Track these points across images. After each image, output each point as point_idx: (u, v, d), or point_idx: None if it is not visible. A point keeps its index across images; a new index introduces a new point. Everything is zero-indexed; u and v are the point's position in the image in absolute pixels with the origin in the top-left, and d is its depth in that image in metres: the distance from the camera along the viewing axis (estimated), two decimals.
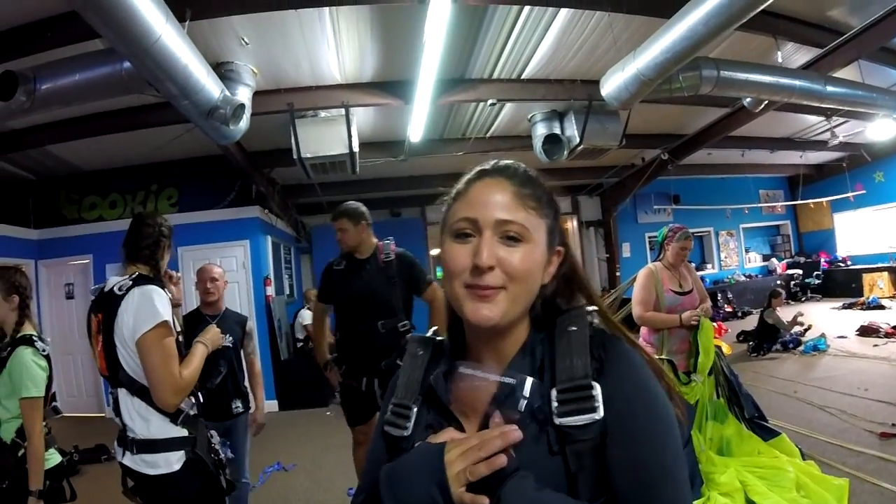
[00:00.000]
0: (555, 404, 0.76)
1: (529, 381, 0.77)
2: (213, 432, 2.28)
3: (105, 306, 2.08)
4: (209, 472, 2.13)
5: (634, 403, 0.77)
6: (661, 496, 0.74)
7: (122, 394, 2.07)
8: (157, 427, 2.04)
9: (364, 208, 3.36)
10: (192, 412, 2.14)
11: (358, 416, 3.42)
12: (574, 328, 0.83)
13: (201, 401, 2.25)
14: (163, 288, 2.12)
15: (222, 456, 2.27)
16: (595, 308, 0.89)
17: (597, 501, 0.75)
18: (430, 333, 1.00)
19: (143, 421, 2.03)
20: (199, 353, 2.24)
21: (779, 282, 12.35)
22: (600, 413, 0.74)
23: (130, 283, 2.07)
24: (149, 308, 2.00)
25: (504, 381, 0.78)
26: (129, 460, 2.04)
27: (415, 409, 0.88)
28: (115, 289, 2.06)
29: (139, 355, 1.99)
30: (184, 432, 2.07)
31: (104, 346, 2.07)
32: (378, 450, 0.94)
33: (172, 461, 2.02)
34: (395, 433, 0.89)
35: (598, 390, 0.75)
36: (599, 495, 0.75)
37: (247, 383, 3.57)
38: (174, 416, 2.06)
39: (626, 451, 0.75)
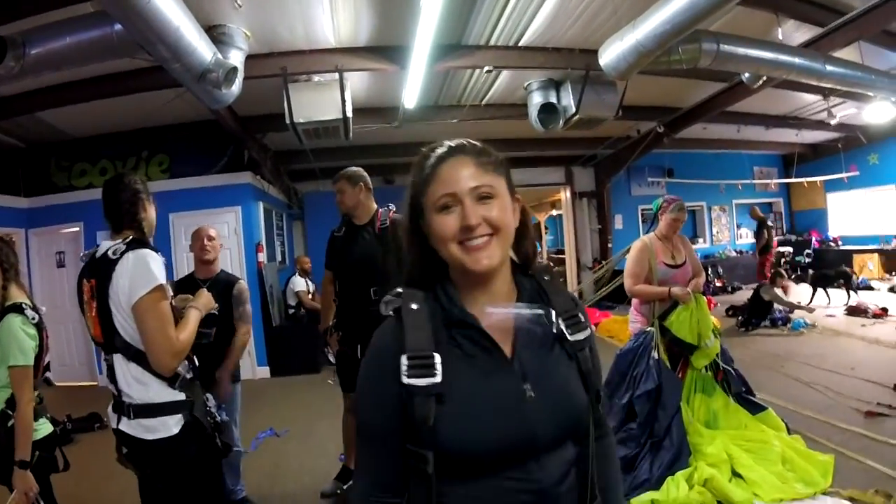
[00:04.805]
0: (562, 325, 1.04)
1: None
2: (209, 395, 2.29)
3: (98, 271, 2.05)
4: (206, 436, 2.14)
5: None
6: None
7: (118, 360, 2.05)
8: (156, 391, 2.03)
9: (364, 173, 3.38)
10: (188, 376, 2.14)
11: (352, 382, 3.39)
12: (548, 277, 1.11)
13: (197, 364, 2.24)
14: (156, 251, 2.10)
15: (218, 419, 2.27)
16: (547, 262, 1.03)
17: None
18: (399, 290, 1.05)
19: (141, 386, 2.03)
20: (192, 317, 2.22)
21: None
22: (591, 329, 1.08)
23: (124, 246, 2.03)
24: (144, 272, 1.98)
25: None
26: (126, 426, 2.04)
27: (438, 357, 0.94)
28: (109, 253, 2.03)
29: (136, 319, 1.97)
30: (181, 396, 2.07)
31: (98, 312, 2.05)
32: (385, 426, 0.96)
33: (171, 425, 2.03)
34: (423, 383, 0.92)
35: (584, 316, 1.09)
36: (599, 387, 1.08)
37: None
38: (172, 380, 2.06)
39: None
